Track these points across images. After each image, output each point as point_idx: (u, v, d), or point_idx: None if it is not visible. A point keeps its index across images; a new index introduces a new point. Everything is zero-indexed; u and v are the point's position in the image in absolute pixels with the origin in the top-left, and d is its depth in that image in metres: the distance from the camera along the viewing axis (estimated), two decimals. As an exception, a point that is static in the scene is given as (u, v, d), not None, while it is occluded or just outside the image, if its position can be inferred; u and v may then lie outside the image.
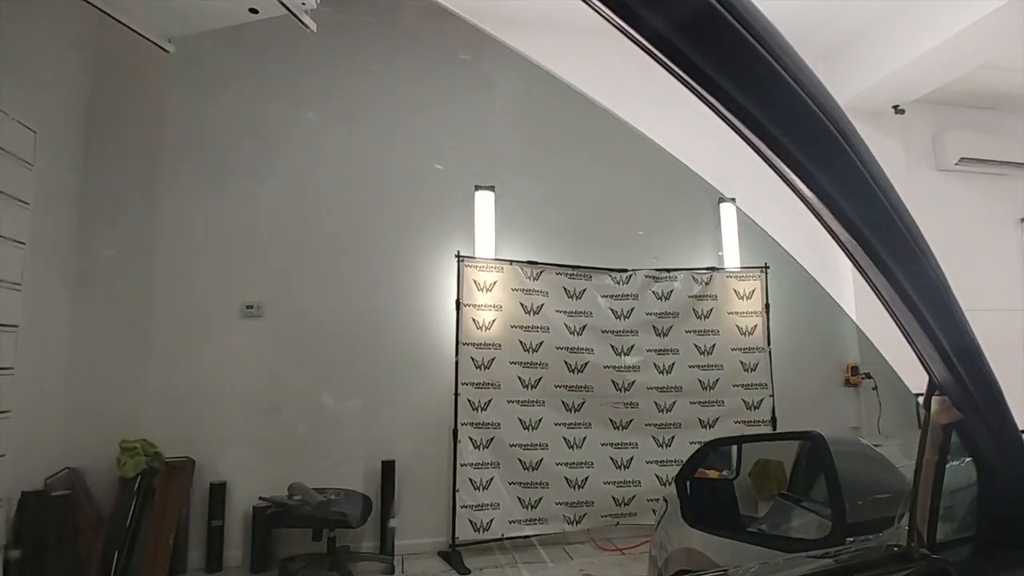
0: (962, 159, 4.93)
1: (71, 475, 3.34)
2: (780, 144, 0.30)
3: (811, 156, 0.31)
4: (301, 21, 2.87)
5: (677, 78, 0.29)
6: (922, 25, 4.00)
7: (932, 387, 0.48)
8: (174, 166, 3.75)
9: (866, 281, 0.44)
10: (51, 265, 3.29)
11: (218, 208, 3.76)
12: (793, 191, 0.36)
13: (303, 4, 2.81)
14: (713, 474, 1.11)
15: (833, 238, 0.42)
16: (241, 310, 3.73)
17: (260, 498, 3.50)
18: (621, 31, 0.28)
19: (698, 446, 3.79)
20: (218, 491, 3.52)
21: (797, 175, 0.32)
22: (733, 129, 0.33)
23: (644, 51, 0.29)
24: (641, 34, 0.27)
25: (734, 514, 1.08)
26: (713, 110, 0.31)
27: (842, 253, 0.44)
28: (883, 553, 0.54)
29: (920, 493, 0.52)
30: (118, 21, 2.88)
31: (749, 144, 0.34)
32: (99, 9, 2.80)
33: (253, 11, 2.84)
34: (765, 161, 0.35)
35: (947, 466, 0.53)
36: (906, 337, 0.46)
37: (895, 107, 4.74)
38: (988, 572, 0.54)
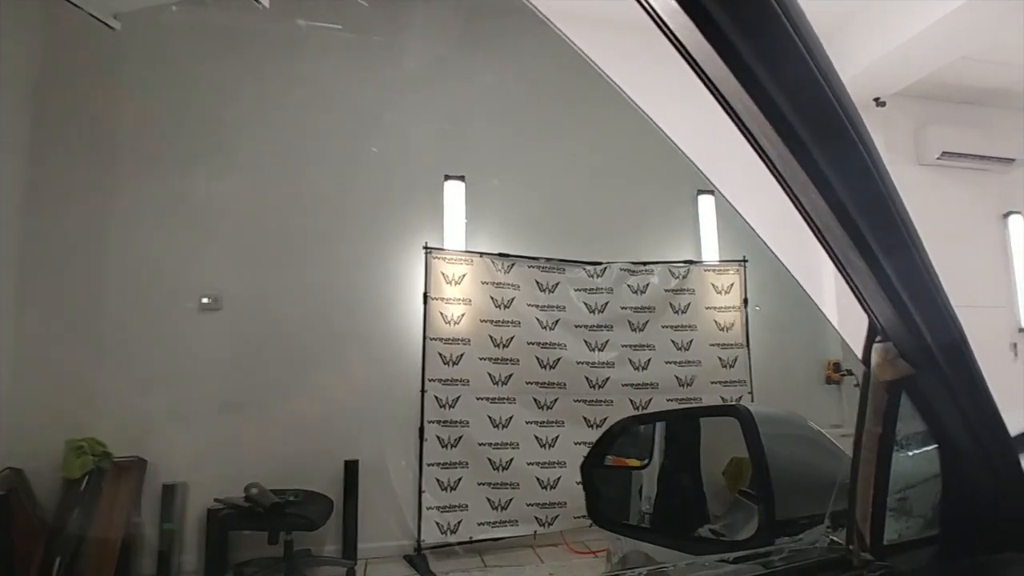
0: (944, 153, 4.86)
1: (12, 476, 3.15)
2: (785, 119, 0.28)
3: (816, 134, 0.29)
4: (254, -4, 2.72)
5: (679, 45, 0.27)
6: (899, 15, 3.93)
7: (873, 332, 0.35)
8: (128, 152, 3.57)
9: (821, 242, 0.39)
10: (-7, 255, 3.12)
11: (175, 196, 3.59)
12: (775, 174, 0.34)
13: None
14: (633, 462, 0.98)
15: (806, 220, 0.39)
16: (199, 303, 3.56)
17: (215, 500, 3.33)
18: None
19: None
20: (171, 493, 3.35)
21: (795, 154, 0.30)
22: (721, 100, 0.30)
23: (647, 10, 0.27)
24: None
25: (641, 512, 0.94)
26: (706, 79, 0.29)
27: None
28: (814, 558, 0.41)
29: (860, 479, 0.39)
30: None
31: (736, 119, 0.32)
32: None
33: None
34: (751, 141, 0.32)
35: (898, 442, 0.40)
36: (846, 278, 0.38)
37: (876, 100, 4.66)
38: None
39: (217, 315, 3.59)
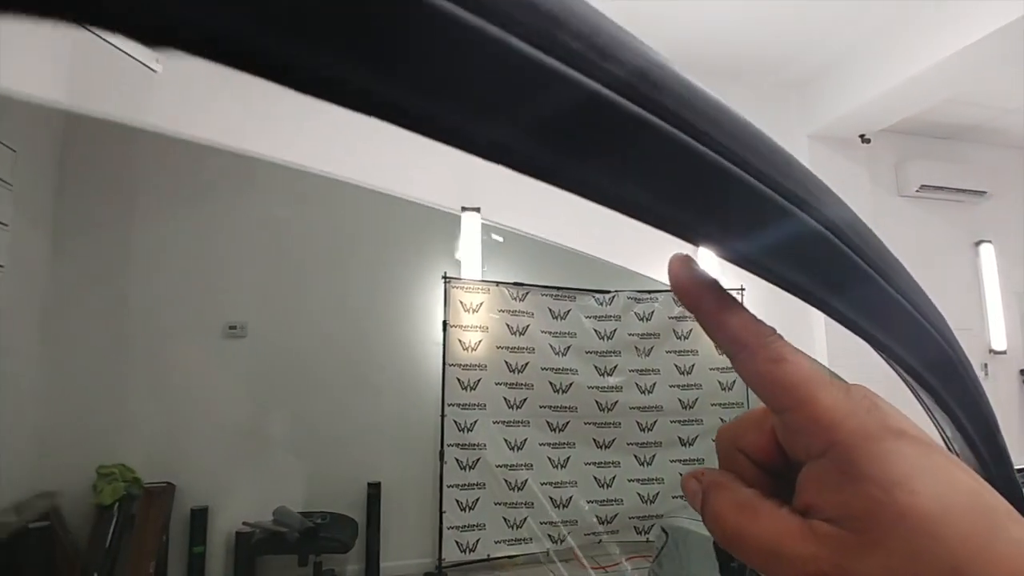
0: (922, 186, 5.19)
1: (45, 502, 3.24)
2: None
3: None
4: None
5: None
6: (889, 61, 4.21)
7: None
8: (154, 185, 3.67)
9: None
10: (26, 287, 3.19)
11: (199, 227, 3.71)
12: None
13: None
14: None
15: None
16: (224, 330, 3.67)
17: (244, 523, 3.44)
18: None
19: (678, 463, 3.84)
20: (199, 517, 3.46)
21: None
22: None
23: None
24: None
25: None
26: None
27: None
28: None
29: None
30: (104, 39, 2.82)
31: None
32: (85, 27, 2.74)
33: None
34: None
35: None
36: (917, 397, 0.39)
37: (862, 136, 4.96)
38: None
39: (242, 342, 3.70)
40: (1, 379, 2.87)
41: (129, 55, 3.00)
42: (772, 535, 0.22)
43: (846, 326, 0.30)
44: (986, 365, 5.28)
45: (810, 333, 4.63)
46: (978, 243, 5.44)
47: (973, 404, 0.37)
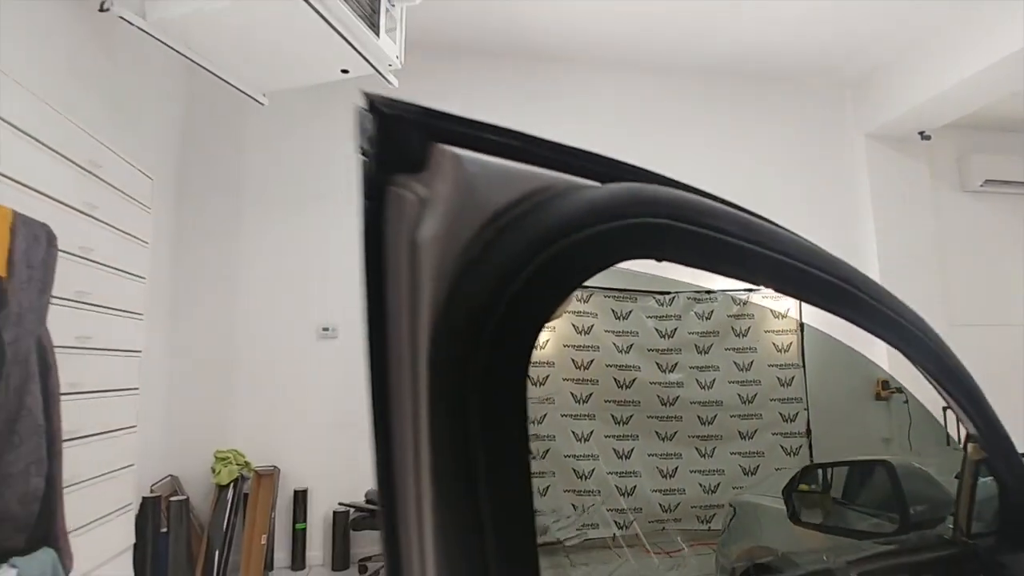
0: (987, 181, 5.14)
1: (173, 482, 3.73)
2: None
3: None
4: (385, 79, 3.24)
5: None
6: (951, 58, 4.19)
7: (969, 437, 0.79)
8: (255, 202, 4.15)
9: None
10: (157, 295, 3.69)
11: (294, 240, 4.15)
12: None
13: (389, 65, 3.18)
14: (804, 487, 1.42)
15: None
16: (318, 332, 4.10)
17: (340, 504, 3.85)
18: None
19: (738, 456, 4.02)
20: (301, 497, 3.89)
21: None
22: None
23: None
24: None
25: (826, 517, 1.38)
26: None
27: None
28: (938, 540, 0.83)
29: (961, 502, 0.83)
30: (224, 80, 3.28)
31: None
32: (207, 70, 3.20)
33: (344, 71, 3.22)
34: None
35: (978, 484, 0.84)
36: (949, 406, 0.75)
37: (921, 133, 4.97)
38: (1005, 552, 0.85)
39: (334, 342, 4.12)
40: (145, 377, 3.36)
41: (241, 91, 3.45)
42: None
43: (884, 341, 0.61)
44: (1059, 361, 5.17)
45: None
46: (1048, 237, 5.33)
47: (999, 438, 0.62)
